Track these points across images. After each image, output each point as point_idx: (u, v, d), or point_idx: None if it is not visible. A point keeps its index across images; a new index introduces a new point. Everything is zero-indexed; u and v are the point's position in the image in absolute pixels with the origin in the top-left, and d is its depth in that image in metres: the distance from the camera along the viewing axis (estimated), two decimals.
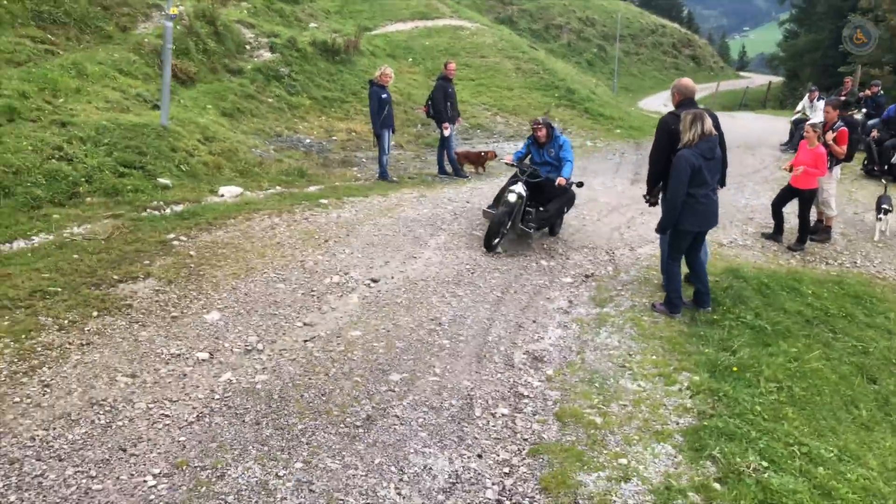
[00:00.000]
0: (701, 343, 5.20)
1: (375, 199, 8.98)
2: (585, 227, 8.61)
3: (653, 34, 49.25)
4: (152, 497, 3.21)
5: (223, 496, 3.22)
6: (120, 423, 3.76)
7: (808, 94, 15.32)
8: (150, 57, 12.05)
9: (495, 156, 12.26)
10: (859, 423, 4.61)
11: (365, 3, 24.46)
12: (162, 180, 8.26)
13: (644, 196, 6.58)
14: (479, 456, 3.64)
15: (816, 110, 14.69)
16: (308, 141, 12.69)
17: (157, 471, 3.38)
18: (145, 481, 3.30)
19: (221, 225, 7.25)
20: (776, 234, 9.00)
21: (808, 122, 9.66)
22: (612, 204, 9.86)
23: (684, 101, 6.21)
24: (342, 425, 3.86)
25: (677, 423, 4.02)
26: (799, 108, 15.48)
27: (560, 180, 7.48)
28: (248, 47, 15.02)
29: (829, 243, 9.09)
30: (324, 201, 8.54)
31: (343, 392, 4.23)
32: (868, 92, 15.63)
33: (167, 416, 3.86)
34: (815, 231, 9.22)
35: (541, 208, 7.69)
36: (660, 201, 6.16)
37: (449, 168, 11.63)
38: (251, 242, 6.85)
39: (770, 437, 3.92)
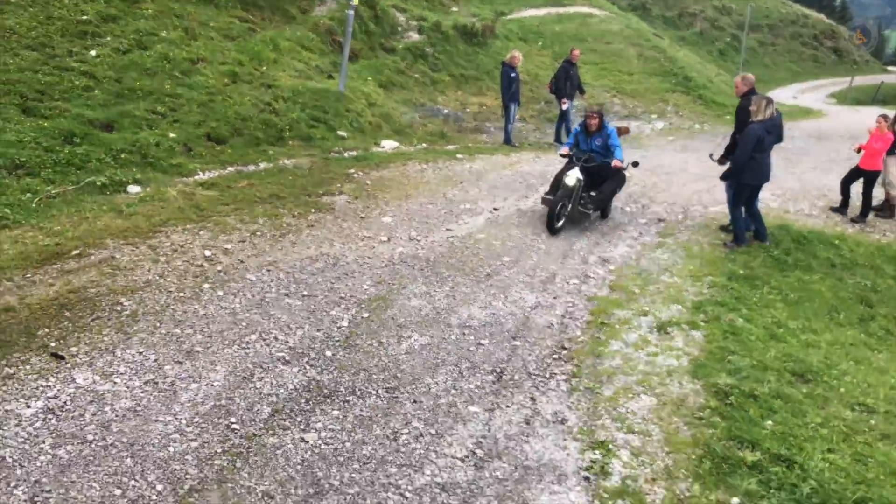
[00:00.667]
0: (730, 262, 7.18)
1: (499, 157, 11.33)
2: (671, 189, 10.55)
3: (793, 24, 48.11)
4: (369, 291, 5.73)
5: (406, 295, 5.70)
6: (341, 263, 6.33)
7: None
8: (324, 35, 14.91)
9: (628, 131, 14.22)
10: (835, 322, 6.46)
11: None
12: (340, 132, 10.99)
13: (712, 156, 8.54)
14: (555, 297, 5.92)
15: None
16: (446, 111, 15.20)
17: (368, 283, 5.91)
18: (363, 286, 5.83)
19: (385, 167, 9.85)
20: (842, 207, 10.52)
21: (880, 113, 11.04)
22: (701, 174, 11.65)
23: (750, 90, 8.18)
24: (471, 277, 6.25)
25: (691, 298, 6.10)
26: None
27: (616, 162, 8.29)
28: (400, 29, 17.69)
29: (893, 220, 10.51)
30: (459, 156, 10.99)
31: (472, 262, 6.62)
32: None
33: (367, 263, 6.40)
34: (881, 209, 10.67)
35: (593, 193, 8.37)
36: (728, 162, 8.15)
37: (564, 138, 13.78)
38: (407, 179, 9.39)
39: (753, 311, 5.93)
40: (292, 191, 8.23)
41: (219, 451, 3.62)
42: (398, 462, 3.65)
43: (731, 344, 5.14)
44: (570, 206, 8.10)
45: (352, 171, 9.35)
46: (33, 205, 6.55)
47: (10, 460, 3.38)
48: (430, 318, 5.35)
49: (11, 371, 4.08)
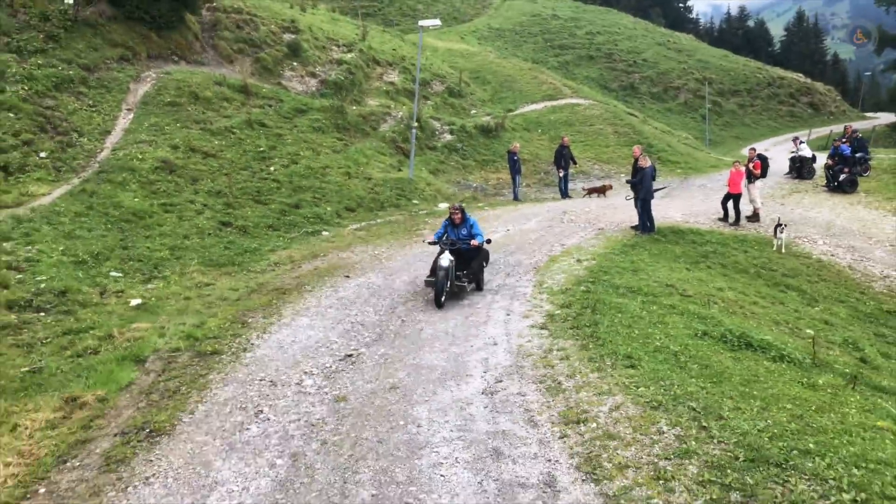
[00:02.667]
0: (628, 240, 14.27)
1: (510, 207, 18.74)
2: (616, 214, 17.69)
3: (769, 86, 55.84)
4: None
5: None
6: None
7: (793, 140, 23.35)
8: (390, 144, 22.74)
9: (611, 188, 21.44)
10: (676, 264, 13.45)
11: (508, 91, 34.85)
12: (414, 201, 18.54)
13: (627, 198, 15.80)
14: (541, 252, 13.09)
15: (802, 150, 22.79)
16: (475, 184, 22.77)
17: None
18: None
19: (443, 215, 17.21)
20: (724, 219, 17.56)
21: (749, 147, 18.21)
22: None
23: (640, 154, 15.56)
24: (508, 249, 13.43)
25: (599, 252, 13.18)
26: (793, 149, 23.40)
27: (474, 242, 10.52)
28: (437, 133, 25.57)
29: (759, 222, 17.50)
30: (486, 208, 18.41)
31: (506, 245, 13.81)
32: (848, 134, 23.24)
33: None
34: (750, 217, 17.70)
35: (465, 271, 10.44)
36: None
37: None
38: None
39: (628, 256, 12.99)
40: (398, 230, 15.62)
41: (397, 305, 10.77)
42: (476, 321, 10.74)
43: (608, 265, 12.21)
44: (447, 283, 9.98)
45: (426, 219, 16.77)
46: (288, 240, 14.06)
47: (349, 300, 10.55)
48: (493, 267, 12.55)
49: (327, 285, 11.31)
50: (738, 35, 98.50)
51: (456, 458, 5.19)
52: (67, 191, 13.91)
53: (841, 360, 8.89)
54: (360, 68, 27.63)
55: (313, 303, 9.95)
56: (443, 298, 9.87)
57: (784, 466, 4.55)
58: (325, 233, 14.95)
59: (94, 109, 17.61)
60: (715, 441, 4.93)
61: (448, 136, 25.42)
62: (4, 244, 10.83)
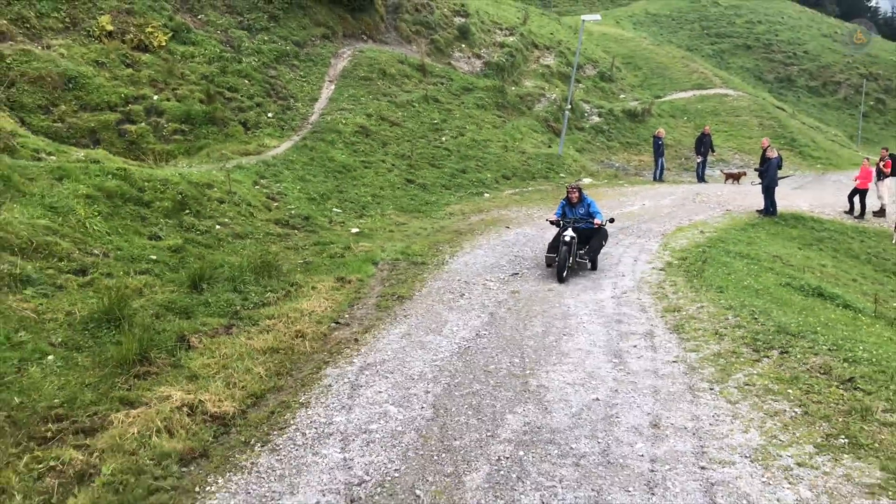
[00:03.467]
0: (751, 221, 16.57)
1: (648, 186, 21.29)
2: (746, 198, 19.82)
3: None
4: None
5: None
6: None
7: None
8: (542, 122, 25.75)
9: (746, 175, 23.48)
10: (792, 244, 15.65)
11: (658, 77, 36.69)
12: (561, 175, 21.53)
13: (752, 182, 18.03)
14: (671, 225, 15.77)
15: None
16: (617, 164, 25.37)
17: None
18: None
19: (594, 187, 20.10)
20: (850, 212, 19.25)
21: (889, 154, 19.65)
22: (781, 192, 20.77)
23: (768, 146, 17.74)
24: (657, 217, 16.20)
25: (722, 227, 15.63)
26: None
27: (597, 221, 11.13)
28: (586, 115, 28.25)
29: (884, 218, 19.08)
30: (626, 186, 21.08)
31: (640, 214, 16.59)
32: None
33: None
34: (876, 212, 19.28)
35: (582, 250, 11.06)
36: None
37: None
38: (599, 194, 19.60)
39: (749, 233, 15.39)
40: (546, 197, 18.70)
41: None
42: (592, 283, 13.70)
43: (727, 237, 14.69)
44: (570, 259, 10.60)
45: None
46: (458, 198, 17.57)
47: (511, 242, 13.82)
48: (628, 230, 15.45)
49: (493, 231, 14.62)
50: None
51: (592, 321, 8.37)
52: (292, 145, 18.12)
53: None
54: (519, 51, 30.71)
55: (484, 241, 13.31)
56: (565, 273, 10.48)
57: (797, 335, 7.34)
58: (486, 194, 18.35)
59: (304, 80, 21.87)
60: (759, 323, 7.76)
61: (596, 119, 28.05)
62: (262, 181, 15.00)
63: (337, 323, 8.18)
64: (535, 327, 8.12)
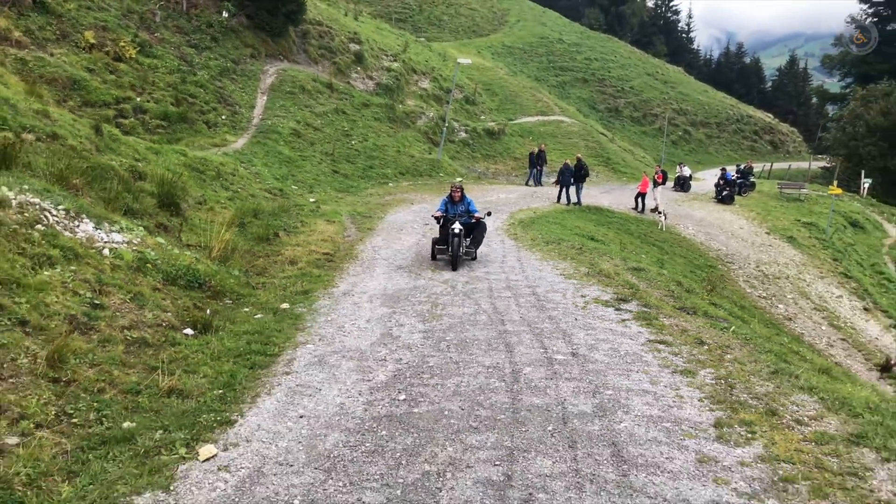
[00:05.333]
0: (564, 209, 25.93)
1: (499, 186, 30.41)
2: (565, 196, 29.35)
3: (737, 122, 67.91)
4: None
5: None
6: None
7: (679, 165, 35.37)
8: (423, 134, 34.30)
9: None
10: (591, 223, 25.09)
11: (511, 103, 46.51)
12: (441, 174, 30.13)
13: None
14: (519, 208, 24.70)
15: (683, 171, 34.78)
16: (480, 170, 34.41)
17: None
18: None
19: (465, 185, 28.79)
20: (634, 208, 29.27)
21: (661, 169, 29.97)
22: (591, 194, 30.47)
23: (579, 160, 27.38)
24: (507, 204, 24.97)
25: (541, 211, 24.78)
26: (684, 171, 35.34)
27: (476, 215, 13.70)
28: (455, 130, 37.14)
29: (657, 213, 29.25)
30: (487, 185, 30.04)
31: (501, 203, 25.38)
32: (744, 165, 35.17)
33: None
34: (654, 209, 29.46)
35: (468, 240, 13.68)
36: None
37: (531, 183, 32.85)
38: (470, 188, 28.37)
39: (558, 216, 24.63)
40: (432, 188, 27.12)
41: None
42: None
43: (548, 215, 23.79)
44: (460, 249, 13.03)
45: (448, 184, 28.35)
46: (372, 185, 25.63)
47: (416, 211, 22.05)
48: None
49: (403, 205, 22.78)
50: (734, 69, 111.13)
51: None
52: (247, 141, 25.39)
53: (644, 262, 20.49)
54: (402, 75, 39.22)
55: (400, 210, 21.47)
56: (458, 263, 13.06)
57: (567, 239, 16.23)
58: (390, 184, 26.53)
59: (243, 91, 29.06)
60: (552, 237, 16.60)
61: (463, 134, 37.05)
62: (242, 164, 22.25)
63: (344, 236, 16.10)
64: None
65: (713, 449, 5.38)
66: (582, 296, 10.97)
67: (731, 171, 34.64)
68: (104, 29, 26.08)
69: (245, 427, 5.86)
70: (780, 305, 23.96)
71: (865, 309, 25.92)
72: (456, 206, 13.87)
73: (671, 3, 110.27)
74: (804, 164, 61.07)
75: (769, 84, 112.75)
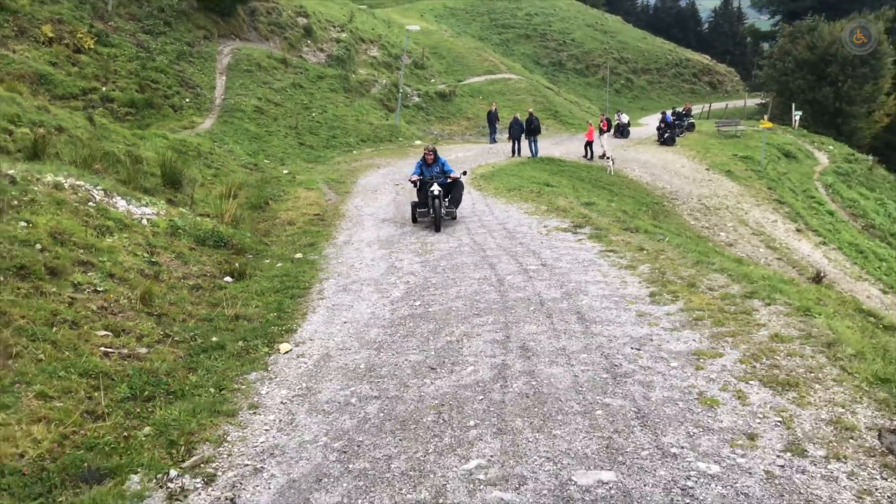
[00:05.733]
0: (521, 161, 28.09)
1: (458, 146, 32.39)
2: (523, 151, 31.47)
3: (676, 66, 70.66)
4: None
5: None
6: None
7: (617, 113, 37.82)
8: (378, 102, 35.94)
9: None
10: (541, 171, 27.29)
11: (458, 65, 48.22)
12: (400, 139, 31.93)
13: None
14: (479, 164, 26.75)
15: (622, 118, 37.23)
16: (436, 132, 36.26)
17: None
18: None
19: (412, 147, 30.68)
20: (584, 156, 31.56)
21: (605, 118, 32.28)
22: (543, 146, 32.59)
23: (531, 114, 29.52)
24: (467, 160, 27.00)
25: (499, 165, 26.90)
26: (622, 119, 37.78)
27: (452, 175, 14.05)
28: (409, 95, 38.81)
29: (605, 159, 31.59)
30: (443, 144, 31.96)
31: (470, 161, 27.38)
32: (682, 109, 37.69)
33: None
34: (602, 156, 31.80)
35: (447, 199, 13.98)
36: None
37: (486, 140, 34.89)
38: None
39: (516, 167, 26.77)
40: (394, 152, 28.95)
41: None
42: None
43: (507, 167, 25.89)
44: (441, 210, 13.36)
45: (409, 149, 30.16)
46: (338, 153, 27.37)
47: (384, 174, 23.94)
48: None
49: (371, 169, 24.63)
50: (672, 14, 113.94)
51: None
52: (214, 121, 26.84)
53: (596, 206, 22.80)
54: (351, 45, 40.64)
55: (370, 174, 23.33)
56: (437, 224, 13.33)
57: (525, 187, 18.37)
58: (354, 152, 28.29)
59: (202, 73, 30.34)
60: (513, 185, 18.71)
61: (416, 99, 38.78)
62: (216, 143, 23.76)
63: (326, 200, 17.96)
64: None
65: (648, 308, 7.62)
66: (544, 226, 13.15)
67: (669, 111, 37.13)
68: (60, 22, 27.07)
69: (305, 332, 7.89)
70: (722, 234, 26.60)
71: (798, 230, 28.78)
72: (430, 168, 14.18)
73: None
74: (741, 103, 64.20)
75: (706, 26, 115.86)
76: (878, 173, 38.06)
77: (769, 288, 7.89)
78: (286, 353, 7.31)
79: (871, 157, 39.43)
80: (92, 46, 27.09)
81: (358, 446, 5.19)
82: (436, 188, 13.40)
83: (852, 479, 4.31)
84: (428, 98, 39.24)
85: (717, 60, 79.81)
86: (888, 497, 4.12)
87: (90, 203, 10.36)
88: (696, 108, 58.40)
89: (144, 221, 11.01)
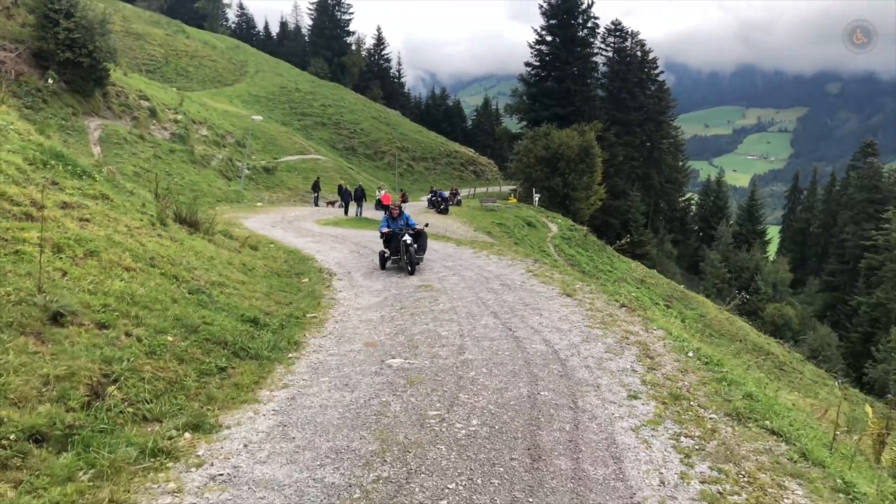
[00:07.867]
0: (337, 219, 39.29)
1: (292, 206, 42.90)
2: (338, 211, 42.65)
3: (448, 157, 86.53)
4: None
5: None
6: (310, 213, 37.22)
7: (377, 189, 51.10)
8: (218, 173, 45.37)
9: (339, 202, 46.21)
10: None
11: (272, 145, 58.71)
12: (245, 201, 41.69)
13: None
14: (308, 219, 37.39)
15: (380, 193, 50.45)
16: (266, 197, 46.34)
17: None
18: (319, 214, 36.92)
19: (265, 209, 40.67)
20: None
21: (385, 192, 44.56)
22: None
23: (358, 187, 41.16)
24: (297, 220, 37.44)
25: (324, 222, 37.89)
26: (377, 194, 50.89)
27: (417, 228, 16.04)
28: (239, 169, 48.54)
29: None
30: (265, 208, 42.29)
31: (295, 219, 37.80)
32: (448, 192, 51.40)
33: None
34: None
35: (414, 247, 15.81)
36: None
37: (322, 205, 45.67)
38: (266, 210, 40.38)
39: (343, 222, 37.91)
40: (248, 209, 38.72)
41: None
42: None
43: (339, 222, 36.87)
44: (412, 255, 15.55)
45: (257, 207, 40.12)
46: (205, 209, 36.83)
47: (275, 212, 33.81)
48: None
49: (255, 214, 34.37)
50: (441, 110, 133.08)
51: (312, 216, 29.57)
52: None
53: None
54: (188, 125, 49.81)
55: (251, 218, 33.10)
56: (411, 268, 15.57)
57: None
58: (217, 209, 37.69)
59: (80, 143, 38.32)
60: (351, 226, 29.79)
61: (246, 171, 48.67)
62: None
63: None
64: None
65: (509, 267, 19.23)
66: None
67: (446, 192, 50.65)
68: None
69: (338, 311, 18.31)
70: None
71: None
72: (396, 221, 16.53)
73: (383, 52, 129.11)
74: (497, 188, 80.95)
75: (470, 122, 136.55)
76: (590, 239, 54.09)
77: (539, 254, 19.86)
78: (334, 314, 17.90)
79: (586, 228, 55.62)
80: None
81: None
82: (408, 238, 15.89)
83: None
84: (255, 171, 49.27)
85: (479, 153, 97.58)
86: None
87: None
88: (465, 191, 73.51)
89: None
